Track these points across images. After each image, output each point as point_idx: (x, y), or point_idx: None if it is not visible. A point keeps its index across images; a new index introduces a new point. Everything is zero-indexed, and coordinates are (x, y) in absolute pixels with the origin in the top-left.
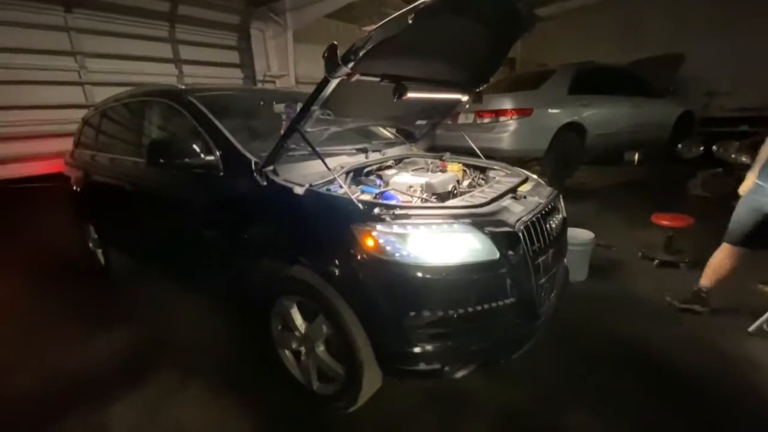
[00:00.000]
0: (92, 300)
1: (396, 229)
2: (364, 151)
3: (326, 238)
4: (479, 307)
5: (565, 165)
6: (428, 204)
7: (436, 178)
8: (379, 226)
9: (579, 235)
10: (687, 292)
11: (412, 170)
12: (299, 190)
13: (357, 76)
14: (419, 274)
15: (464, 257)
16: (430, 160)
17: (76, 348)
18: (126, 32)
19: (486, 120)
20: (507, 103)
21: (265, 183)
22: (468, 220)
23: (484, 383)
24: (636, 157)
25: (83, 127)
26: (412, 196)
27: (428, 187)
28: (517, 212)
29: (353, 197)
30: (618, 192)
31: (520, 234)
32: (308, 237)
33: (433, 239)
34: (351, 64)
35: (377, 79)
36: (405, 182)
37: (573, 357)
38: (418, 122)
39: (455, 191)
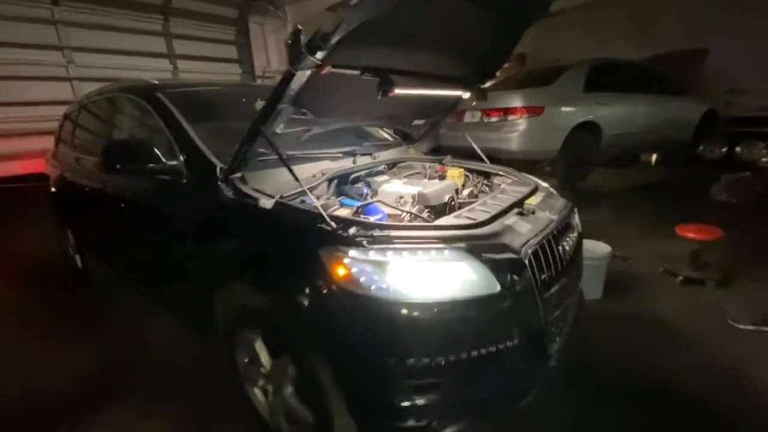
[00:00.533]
0: (65, 308)
1: (373, 255)
2: (352, 154)
3: (291, 263)
4: (475, 352)
5: (579, 167)
6: (415, 224)
7: (431, 188)
8: (352, 252)
9: (594, 247)
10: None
11: (406, 176)
12: (266, 203)
13: (329, 69)
14: (400, 313)
15: (457, 291)
16: (428, 164)
17: (39, 363)
18: (116, 25)
19: (493, 119)
20: (516, 101)
21: (230, 193)
22: (462, 245)
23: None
24: (653, 158)
25: (63, 123)
26: (401, 210)
27: (421, 199)
28: (523, 233)
29: (325, 213)
30: (635, 196)
31: (527, 261)
32: (271, 260)
33: (419, 269)
34: (321, 54)
35: (356, 73)
36: (395, 192)
37: (587, 391)
38: (416, 122)
39: (452, 203)
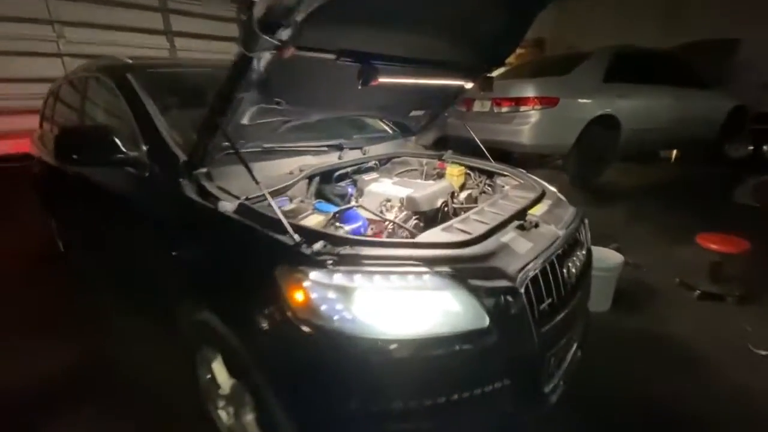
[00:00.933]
0: (41, 297)
1: (338, 279)
2: (339, 148)
3: (246, 282)
4: (456, 396)
5: (593, 164)
6: (392, 240)
7: (422, 191)
8: (313, 274)
9: (605, 256)
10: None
11: (398, 174)
12: (226, 207)
13: (293, 52)
14: (367, 350)
15: (436, 326)
16: (425, 161)
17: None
18: None
19: (504, 109)
20: (529, 90)
21: (192, 191)
22: (446, 269)
23: None
24: (673, 154)
25: (47, 101)
26: (383, 219)
27: (409, 203)
28: (521, 253)
29: (286, 222)
30: (651, 196)
31: (523, 290)
32: (226, 276)
33: (392, 298)
34: (283, 33)
35: (331, 57)
36: (382, 193)
37: (586, 417)
38: (414, 113)
39: (446, 209)
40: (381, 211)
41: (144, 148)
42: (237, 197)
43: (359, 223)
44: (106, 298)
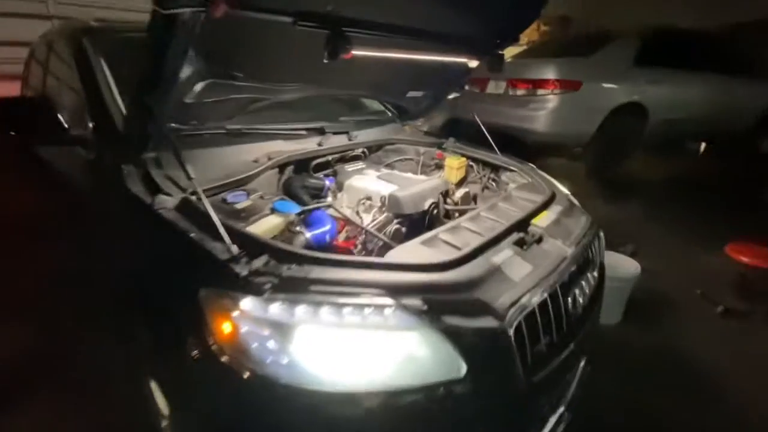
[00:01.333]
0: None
1: (274, 311)
2: (320, 132)
3: (171, 303)
4: None
5: (614, 155)
6: (353, 259)
7: (408, 188)
8: (245, 301)
9: (619, 264)
10: None
11: (388, 165)
12: (165, 202)
13: (224, 10)
14: (307, 405)
15: (399, 376)
16: (422, 149)
17: None
18: None
19: (520, 91)
20: (549, 72)
21: (134, 180)
22: (417, 301)
23: None
24: (702, 146)
25: (28, 65)
26: (355, 223)
27: (392, 204)
28: (516, 280)
29: (222, 228)
30: (675, 192)
31: (512, 331)
32: (154, 292)
33: (342, 339)
34: None
35: (287, 21)
36: (362, 189)
37: None
38: (411, 94)
39: (435, 211)
40: (357, 212)
41: (90, 125)
42: (183, 189)
43: (326, 228)
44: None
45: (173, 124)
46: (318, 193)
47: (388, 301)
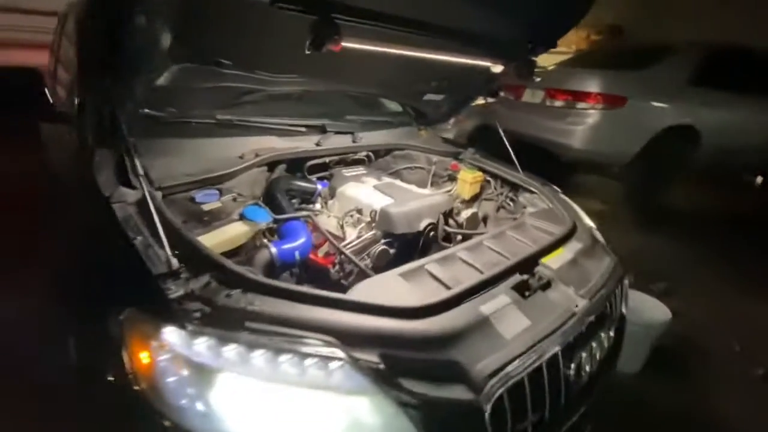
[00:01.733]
0: None
1: (197, 349)
2: (322, 130)
3: (95, 309)
4: None
5: (657, 181)
6: (308, 292)
7: (403, 205)
8: (167, 331)
9: (646, 306)
10: None
11: (393, 173)
12: (124, 195)
13: None
14: None
15: None
16: (436, 158)
17: None
18: None
19: (558, 103)
20: (592, 84)
21: (105, 168)
22: (374, 357)
23: None
24: (759, 179)
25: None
26: (331, 240)
27: (382, 221)
28: (507, 338)
29: (163, 234)
30: (724, 227)
31: (489, 409)
32: (93, 302)
33: (273, 395)
34: None
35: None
36: (354, 199)
37: None
38: (429, 97)
39: (430, 233)
40: (342, 226)
41: (75, 100)
42: (152, 183)
43: (296, 243)
44: None
45: (146, 110)
46: (308, 198)
47: (336, 352)
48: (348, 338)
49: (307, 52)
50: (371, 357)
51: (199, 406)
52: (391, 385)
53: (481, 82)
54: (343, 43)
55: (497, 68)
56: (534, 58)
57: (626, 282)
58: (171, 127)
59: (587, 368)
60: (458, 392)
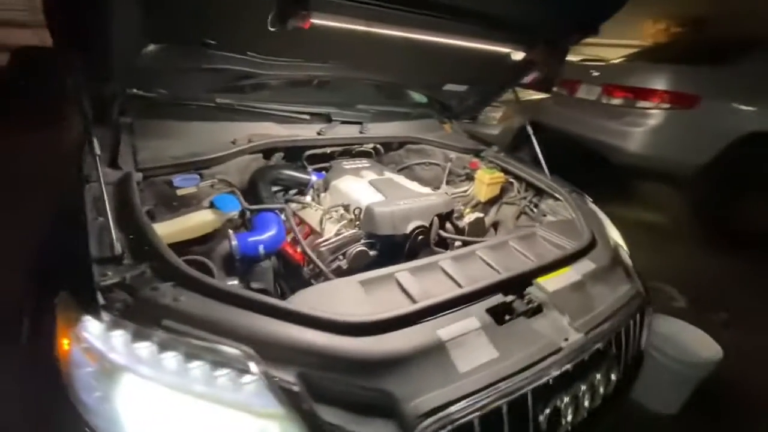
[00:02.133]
0: None
1: (111, 343)
2: (327, 119)
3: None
4: None
5: (730, 194)
6: (239, 293)
7: (391, 203)
8: (85, 321)
9: (694, 341)
10: None
11: (402, 170)
12: (105, 175)
13: None
14: None
15: None
16: (453, 154)
17: None
18: None
19: (616, 100)
20: (658, 80)
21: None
22: (291, 376)
23: None
24: None
25: None
26: (297, 236)
27: (366, 219)
28: (461, 370)
29: (112, 218)
30: None
31: None
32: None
33: (174, 404)
34: None
35: None
36: (344, 194)
37: None
38: (449, 87)
39: (419, 237)
40: (321, 221)
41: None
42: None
43: (262, 236)
44: None
45: (135, 90)
46: (303, 189)
47: (251, 366)
48: (269, 350)
49: (271, 29)
50: (288, 375)
51: (104, 405)
52: (303, 411)
53: (511, 73)
54: (315, 20)
55: (518, 55)
56: (565, 47)
57: (647, 312)
58: (169, 109)
59: (569, 417)
60: (381, 430)
